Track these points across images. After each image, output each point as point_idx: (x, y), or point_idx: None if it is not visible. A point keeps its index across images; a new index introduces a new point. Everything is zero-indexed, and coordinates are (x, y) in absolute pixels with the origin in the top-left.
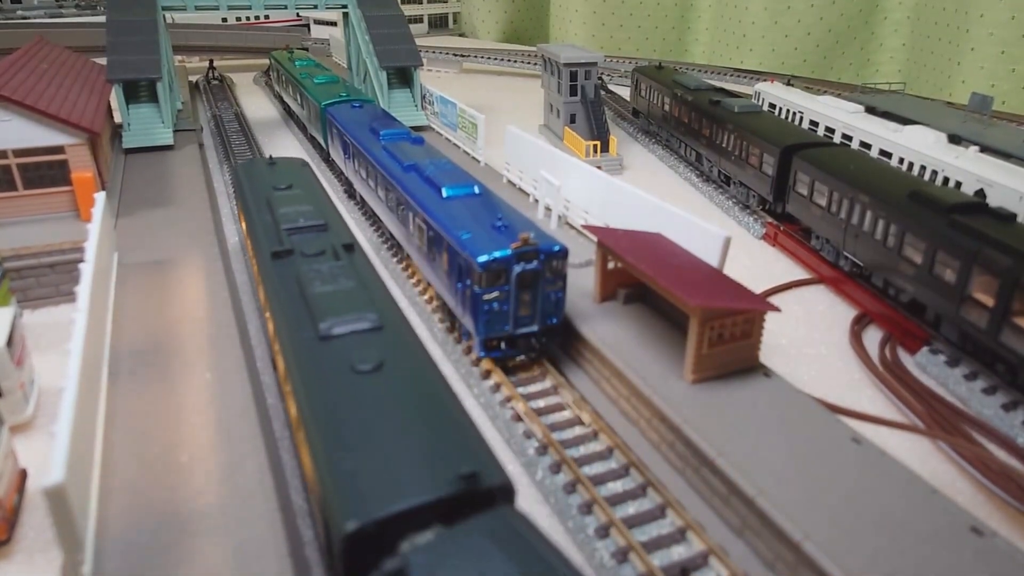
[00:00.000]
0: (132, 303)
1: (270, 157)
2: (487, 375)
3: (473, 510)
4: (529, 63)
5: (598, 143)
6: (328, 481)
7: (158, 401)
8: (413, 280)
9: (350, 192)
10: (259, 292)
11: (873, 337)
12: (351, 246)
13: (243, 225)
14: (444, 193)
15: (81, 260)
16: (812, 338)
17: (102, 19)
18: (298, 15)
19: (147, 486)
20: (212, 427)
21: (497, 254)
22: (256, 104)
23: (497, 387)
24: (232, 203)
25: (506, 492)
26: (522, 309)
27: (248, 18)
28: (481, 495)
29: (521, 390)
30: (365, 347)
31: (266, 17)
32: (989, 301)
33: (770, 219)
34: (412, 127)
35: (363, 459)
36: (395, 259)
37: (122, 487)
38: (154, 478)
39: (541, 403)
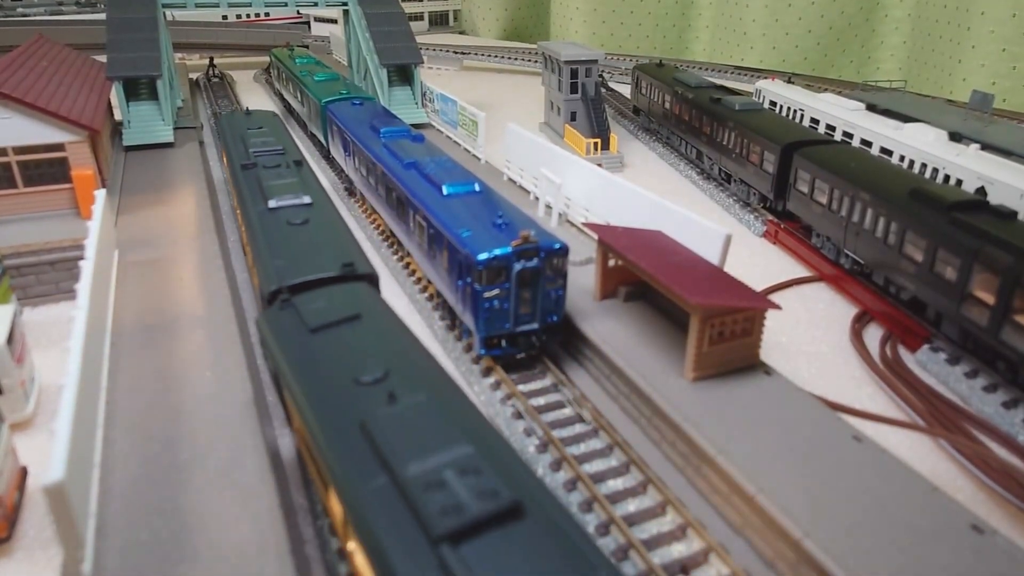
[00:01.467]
0: (132, 301)
1: (247, 109)
2: (487, 373)
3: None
4: (530, 61)
5: (599, 141)
6: (266, 266)
7: (158, 399)
8: (413, 278)
9: (350, 190)
10: (232, 195)
11: (874, 335)
12: (300, 162)
13: (224, 156)
14: (444, 191)
15: (81, 257)
16: (813, 336)
17: (102, 16)
18: (298, 13)
19: (147, 484)
20: (212, 425)
21: (497, 252)
22: (256, 102)
23: (498, 385)
24: (231, 203)
25: (372, 279)
26: (522, 307)
27: (248, 15)
28: (354, 277)
29: (521, 388)
30: (298, 214)
31: (266, 15)
32: (990, 299)
33: (771, 217)
34: (412, 125)
35: (285, 257)
36: (395, 256)
37: (122, 485)
38: (154, 476)
39: (541, 401)
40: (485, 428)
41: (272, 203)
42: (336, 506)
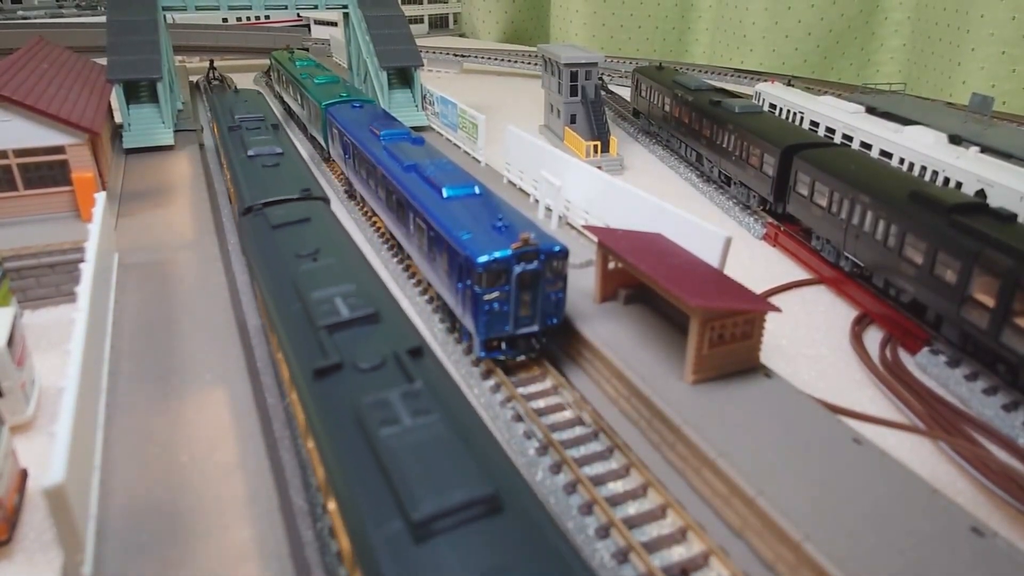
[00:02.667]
0: (132, 303)
1: (235, 88)
2: (487, 375)
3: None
4: (529, 63)
5: (598, 143)
6: (243, 192)
7: (158, 401)
8: (413, 280)
9: (350, 192)
10: (220, 151)
11: (874, 337)
12: (276, 126)
13: (214, 124)
14: (444, 193)
15: (81, 260)
16: (813, 339)
17: (102, 19)
18: (298, 15)
19: (147, 486)
20: (212, 427)
21: (497, 254)
22: None
23: (497, 387)
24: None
25: (324, 200)
26: (522, 309)
27: (249, 18)
28: (310, 198)
29: (521, 390)
30: (271, 159)
31: (267, 17)
32: (990, 301)
33: (771, 219)
34: (412, 127)
35: (259, 186)
36: (395, 259)
37: (122, 487)
38: (154, 478)
39: (541, 403)
40: (386, 295)
41: (251, 152)
42: (281, 359)
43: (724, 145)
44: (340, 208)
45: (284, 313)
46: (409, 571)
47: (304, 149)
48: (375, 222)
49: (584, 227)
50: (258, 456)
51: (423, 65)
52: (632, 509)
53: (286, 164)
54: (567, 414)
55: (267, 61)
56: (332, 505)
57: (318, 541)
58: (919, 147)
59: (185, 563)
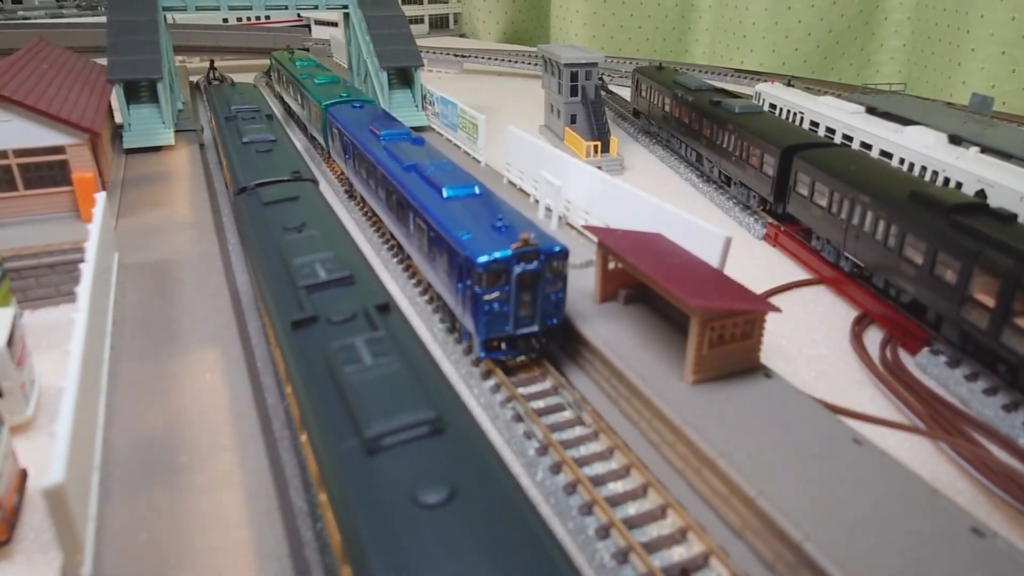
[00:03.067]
0: (132, 304)
1: (232, 81)
2: (487, 375)
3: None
4: (530, 64)
5: (598, 143)
6: (237, 174)
7: (158, 401)
8: (413, 280)
9: (350, 192)
10: (216, 139)
11: (874, 338)
12: (270, 116)
13: (211, 116)
14: (444, 193)
15: (81, 260)
16: (813, 339)
17: (103, 19)
18: (299, 15)
19: (147, 486)
20: (212, 427)
21: (497, 254)
22: None
23: (497, 387)
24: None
25: (313, 181)
26: (522, 310)
27: (249, 18)
28: (299, 179)
29: (521, 391)
30: (264, 145)
31: (267, 17)
32: (990, 302)
33: (771, 220)
34: (413, 127)
35: (253, 169)
36: (395, 259)
37: (122, 487)
38: (154, 478)
39: (541, 403)
40: (362, 261)
41: (246, 139)
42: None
43: (724, 145)
44: (340, 209)
45: (270, 276)
46: (361, 478)
47: (298, 141)
48: (375, 222)
49: (584, 227)
50: (258, 456)
51: (423, 65)
52: (632, 509)
53: (278, 150)
54: (567, 414)
55: (267, 61)
56: (304, 438)
57: (317, 541)
58: (919, 147)
59: (184, 564)
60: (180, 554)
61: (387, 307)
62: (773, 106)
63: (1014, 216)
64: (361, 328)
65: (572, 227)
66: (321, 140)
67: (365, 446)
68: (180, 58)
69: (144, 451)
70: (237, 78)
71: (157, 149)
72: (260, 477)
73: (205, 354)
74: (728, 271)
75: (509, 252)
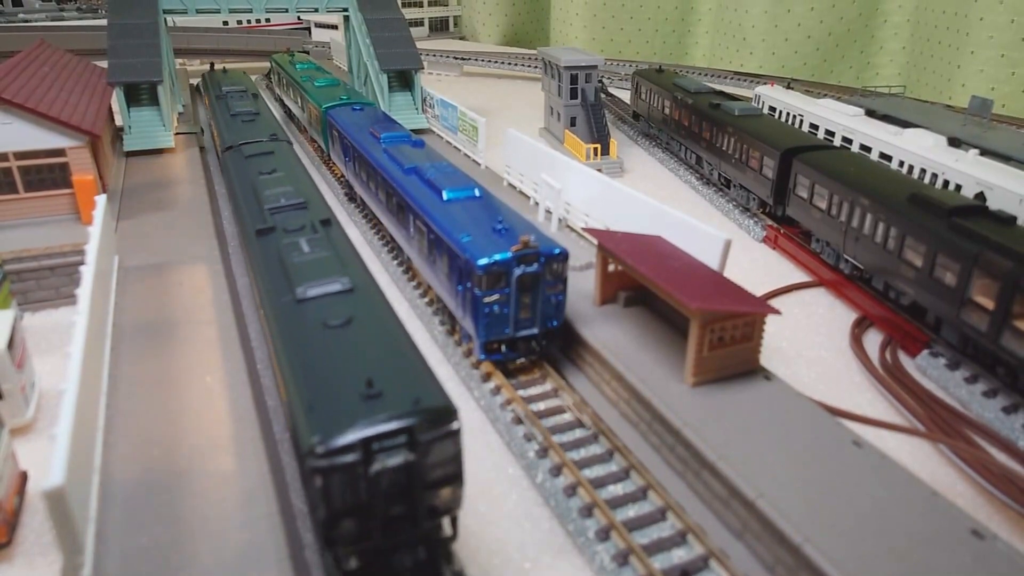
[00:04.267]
0: (132, 306)
1: (224, 68)
2: (487, 378)
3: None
4: (530, 66)
5: (598, 146)
6: (225, 135)
7: (158, 404)
8: (414, 283)
9: (351, 195)
10: (208, 115)
11: (873, 340)
12: (256, 95)
13: (205, 98)
14: (445, 196)
15: (82, 263)
16: (812, 341)
17: (103, 22)
18: (299, 18)
19: (147, 489)
20: (212, 430)
21: (497, 257)
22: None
23: (497, 390)
24: (229, 205)
25: (288, 142)
26: (522, 312)
27: (249, 21)
28: (276, 140)
29: (522, 393)
30: (250, 116)
31: (267, 20)
32: (989, 304)
33: (770, 222)
34: (413, 130)
35: (238, 133)
36: (396, 262)
37: (122, 490)
38: (154, 481)
39: (541, 406)
40: (316, 194)
41: (233, 112)
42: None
43: (724, 148)
44: (340, 210)
45: (246, 204)
46: (292, 317)
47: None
48: (375, 224)
49: (584, 230)
50: (258, 459)
51: (423, 68)
52: (632, 511)
53: (260, 120)
54: (567, 416)
55: (268, 64)
56: (262, 312)
57: (317, 543)
58: (918, 150)
59: (185, 566)
60: (180, 556)
61: (329, 221)
62: (773, 109)
63: (1013, 218)
64: (306, 233)
65: (572, 229)
66: (321, 143)
67: (296, 303)
68: (180, 61)
69: (144, 453)
70: None
71: (158, 152)
72: (260, 479)
73: (205, 357)
74: (728, 273)
75: (509, 254)
